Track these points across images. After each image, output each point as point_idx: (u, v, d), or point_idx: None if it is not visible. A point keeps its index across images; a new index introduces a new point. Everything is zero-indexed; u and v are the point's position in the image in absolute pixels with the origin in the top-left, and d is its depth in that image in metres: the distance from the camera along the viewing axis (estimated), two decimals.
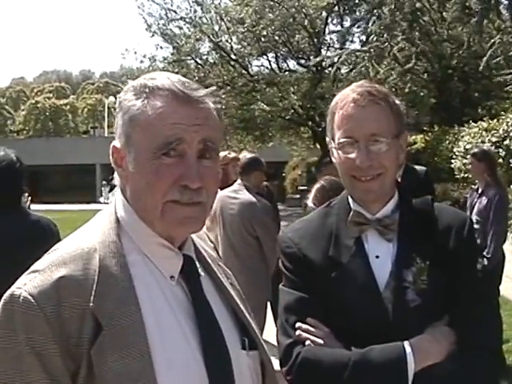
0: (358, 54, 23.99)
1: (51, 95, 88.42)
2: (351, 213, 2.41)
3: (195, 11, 32.58)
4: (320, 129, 29.88)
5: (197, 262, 1.90)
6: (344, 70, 31.16)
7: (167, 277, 1.80)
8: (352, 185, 2.38)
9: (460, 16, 17.06)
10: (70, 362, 1.60)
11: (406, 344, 2.19)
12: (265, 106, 29.59)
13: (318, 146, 31.47)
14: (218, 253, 2.13)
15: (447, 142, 21.09)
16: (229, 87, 31.71)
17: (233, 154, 8.41)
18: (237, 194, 6.60)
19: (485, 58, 10.91)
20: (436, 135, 23.55)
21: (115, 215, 1.81)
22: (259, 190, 7.30)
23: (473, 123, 19.32)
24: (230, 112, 31.32)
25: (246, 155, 7.31)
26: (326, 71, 31.45)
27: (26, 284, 1.63)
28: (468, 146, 16.11)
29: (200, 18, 32.41)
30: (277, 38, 31.24)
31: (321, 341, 2.27)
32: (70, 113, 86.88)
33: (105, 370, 1.59)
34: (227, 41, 32.24)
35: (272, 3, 29.49)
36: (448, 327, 2.25)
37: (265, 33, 29.80)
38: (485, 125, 17.87)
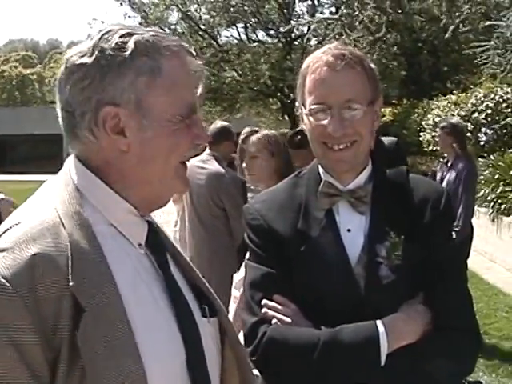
0: (328, 22, 23.78)
1: (18, 64, 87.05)
2: (321, 183, 2.26)
3: None
4: (289, 100, 29.78)
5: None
6: (314, 42, 31.00)
7: (135, 245, 1.70)
8: (323, 154, 2.22)
9: None
10: (49, 352, 1.45)
11: (379, 323, 2.06)
12: (235, 74, 29.35)
13: (287, 118, 31.37)
14: None
15: (416, 115, 21.16)
16: (197, 57, 31.46)
17: None
18: (205, 164, 6.41)
19: (451, 27, 10.83)
20: (405, 108, 23.59)
21: (73, 184, 1.65)
22: (229, 160, 7.15)
23: (442, 97, 19.35)
24: None
25: (216, 124, 7.10)
26: (296, 43, 31.32)
27: None
28: (437, 120, 16.10)
29: None
30: (246, 8, 30.97)
31: (288, 319, 2.13)
32: (37, 82, 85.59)
33: (91, 353, 1.45)
34: (196, 10, 31.91)
35: None
36: (423, 306, 2.13)
37: (234, 3, 29.56)
38: (454, 98, 17.91)
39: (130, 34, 1.64)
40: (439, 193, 2.28)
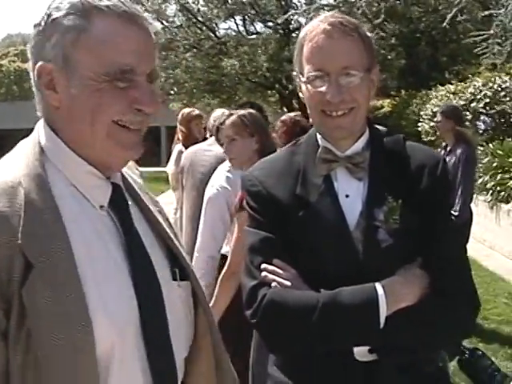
0: (326, 10, 23.77)
1: (16, 59, 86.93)
2: (319, 149, 2.28)
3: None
4: (287, 91, 29.76)
5: (124, 191, 1.84)
6: None
7: (96, 206, 1.73)
8: (322, 121, 2.24)
9: None
10: (2, 302, 1.53)
11: (378, 285, 2.08)
12: (235, 62, 29.28)
13: (286, 110, 31.36)
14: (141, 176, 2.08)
15: (414, 105, 21.12)
16: (195, 50, 31.37)
17: (196, 112, 8.26)
18: (211, 146, 6.42)
19: (449, 15, 10.82)
20: (403, 99, 23.57)
21: (39, 145, 1.71)
22: None
23: (440, 86, 19.33)
24: (196, 75, 31.03)
25: (224, 112, 7.14)
26: (294, 35, 31.26)
27: None
28: (435, 109, 16.03)
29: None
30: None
31: (288, 283, 2.15)
32: None
33: (37, 308, 1.52)
34: (194, 2, 31.85)
35: None
36: (420, 269, 2.15)
37: None
38: (452, 88, 17.89)
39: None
40: (436, 159, 2.30)
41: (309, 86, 2.22)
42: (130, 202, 1.84)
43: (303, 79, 2.25)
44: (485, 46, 9.88)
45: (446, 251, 2.19)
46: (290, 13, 26.27)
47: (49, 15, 1.68)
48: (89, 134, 1.68)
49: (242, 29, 33.68)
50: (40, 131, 1.75)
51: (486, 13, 10.47)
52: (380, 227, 2.17)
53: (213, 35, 32.22)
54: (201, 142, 7.00)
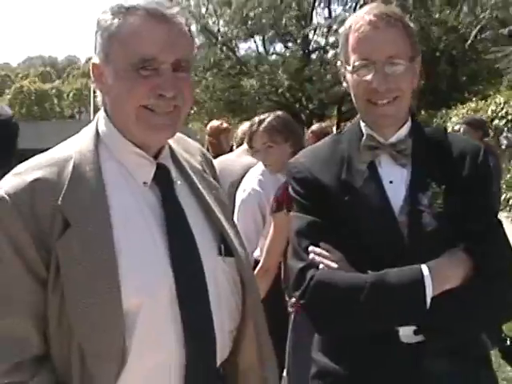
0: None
1: (36, 79, 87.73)
2: (364, 137, 2.35)
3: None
4: (307, 111, 29.85)
5: (173, 171, 2.05)
6: (331, 54, 31.15)
7: (140, 182, 1.96)
8: (367, 109, 2.31)
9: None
10: (44, 253, 1.78)
11: (424, 267, 2.13)
12: (254, 83, 29.44)
13: (305, 130, 31.40)
14: (212, 168, 2.27)
15: (435, 124, 21.12)
16: (216, 70, 31.59)
17: (225, 125, 8.38)
18: (239, 157, 6.51)
19: (473, 32, 10.88)
20: (422, 120, 23.56)
21: (96, 128, 1.99)
22: None
23: (460, 105, 19.35)
24: (217, 95, 31.23)
25: (244, 124, 7.27)
26: (313, 56, 31.44)
27: (4, 185, 1.82)
28: (456, 127, 16.07)
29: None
30: (264, 20, 31.09)
31: (335, 265, 2.21)
32: (55, 97, 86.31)
33: (69, 264, 1.76)
34: (214, 23, 32.12)
35: None
36: (464, 253, 2.19)
37: (252, 14, 29.68)
38: (473, 106, 17.91)
39: None
40: (477, 148, 2.36)
41: (355, 75, 2.29)
42: (178, 182, 2.04)
43: (349, 69, 2.31)
44: (507, 61, 9.90)
45: (487, 235, 2.24)
46: (307, 29, 26.27)
47: (98, 17, 1.94)
48: (125, 118, 1.92)
49: (261, 49, 33.87)
50: (99, 117, 2.01)
51: (508, 29, 10.48)
52: (424, 211, 2.22)
53: (233, 55, 32.41)
54: (228, 152, 7.10)
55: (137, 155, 1.97)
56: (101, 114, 2.01)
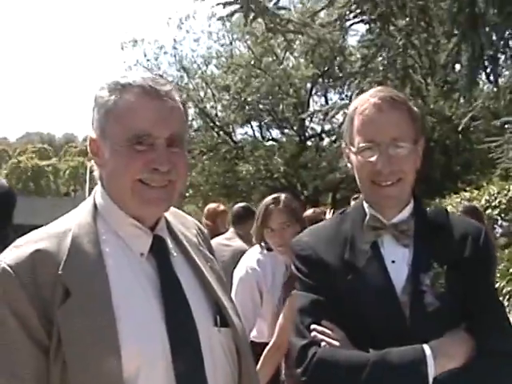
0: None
1: (34, 156, 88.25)
2: (367, 217, 2.39)
3: (181, 77, 32.84)
4: (302, 197, 29.99)
5: (170, 243, 2.10)
6: (327, 141, 31.57)
7: (137, 253, 2.01)
8: (371, 190, 2.37)
9: (442, 91, 17.41)
10: (45, 322, 1.81)
11: (426, 347, 2.15)
12: (250, 168, 29.65)
13: None
14: (207, 242, 2.32)
15: None
16: (212, 153, 31.84)
17: (222, 207, 8.49)
18: (229, 241, 6.60)
19: (464, 120, 11.08)
20: None
21: (93, 201, 2.05)
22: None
23: (454, 195, 19.51)
24: (212, 178, 31.40)
25: (239, 205, 7.40)
26: (309, 142, 31.74)
27: (6, 257, 1.88)
28: None
29: (186, 83, 32.67)
30: (261, 106, 31.53)
31: (337, 343, 2.23)
32: (51, 174, 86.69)
33: (70, 331, 1.79)
34: (212, 107, 32.53)
35: (258, 71, 29.88)
36: (466, 333, 2.22)
37: (250, 99, 30.10)
38: (467, 195, 18.07)
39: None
40: (478, 229, 2.41)
41: (359, 156, 2.35)
42: (174, 254, 2.10)
43: (354, 150, 2.38)
44: (500, 151, 10.06)
45: (489, 316, 2.27)
46: (304, 115, 26.58)
47: (95, 94, 2.02)
48: (121, 191, 1.99)
49: (258, 134, 34.21)
50: (96, 191, 2.08)
51: (502, 120, 10.69)
52: (426, 291, 2.25)
53: (229, 140, 32.70)
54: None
55: (134, 227, 2.02)
56: (98, 187, 2.08)
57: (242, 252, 6.55)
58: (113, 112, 1.96)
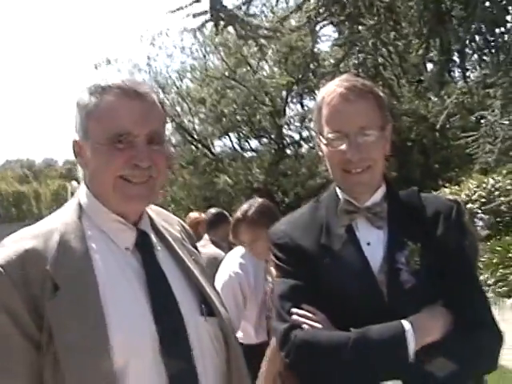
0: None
1: (14, 182, 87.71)
2: (341, 202, 2.45)
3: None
4: (284, 205, 30.04)
5: (153, 238, 2.16)
6: (305, 148, 31.71)
7: (122, 248, 2.07)
8: (343, 178, 2.42)
9: (416, 90, 17.49)
10: (36, 317, 1.86)
11: (405, 322, 2.21)
12: (229, 180, 29.73)
13: None
14: (190, 238, 2.37)
15: None
16: (191, 167, 31.89)
17: (203, 216, 8.54)
18: (204, 248, 6.64)
19: (442, 116, 11.15)
20: None
21: (78, 200, 2.12)
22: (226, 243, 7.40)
23: (434, 192, 19.68)
24: (193, 192, 31.42)
25: (211, 211, 7.45)
26: (288, 151, 31.84)
27: None
28: None
29: (162, 99, 32.63)
30: (238, 117, 31.63)
31: (318, 325, 2.27)
32: (33, 199, 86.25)
33: (60, 325, 1.85)
34: (189, 121, 32.60)
35: (233, 82, 29.99)
36: (443, 307, 2.27)
37: (226, 111, 30.19)
38: (447, 191, 18.23)
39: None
40: (450, 206, 2.47)
41: (329, 146, 2.41)
42: (159, 248, 2.16)
43: (323, 140, 2.43)
44: (476, 145, 10.16)
45: (465, 289, 2.32)
46: (281, 122, 26.70)
47: (77, 98, 2.08)
48: (103, 188, 2.06)
49: (236, 146, 34.27)
50: (80, 190, 2.15)
51: (475, 115, 10.83)
52: (402, 269, 2.31)
53: (208, 152, 32.75)
54: None
55: (117, 222, 2.09)
56: (81, 187, 2.14)
57: (215, 258, 6.60)
58: (93, 113, 2.03)
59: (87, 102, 2.05)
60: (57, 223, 2.04)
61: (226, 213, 7.60)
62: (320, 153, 2.51)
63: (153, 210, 2.25)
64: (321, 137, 2.46)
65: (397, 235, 2.38)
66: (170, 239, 2.21)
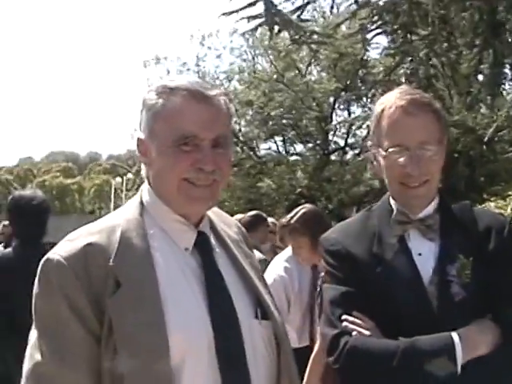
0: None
1: (58, 174, 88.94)
2: (394, 212, 2.47)
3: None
4: (327, 211, 29.95)
5: (212, 239, 2.19)
6: (350, 154, 31.60)
7: (182, 248, 2.10)
8: (400, 191, 2.44)
9: (465, 102, 17.33)
10: (98, 311, 1.90)
11: (454, 334, 2.22)
12: (272, 184, 29.72)
13: None
14: (246, 240, 2.40)
15: None
16: (236, 168, 31.92)
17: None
18: None
19: (491, 129, 11.11)
20: None
21: (140, 199, 2.15)
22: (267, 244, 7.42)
23: (479, 205, 19.46)
24: (237, 194, 31.47)
25: (249, 213, 7.47)
26: (333, 157, 31.73)
27: (59, 250, 1.98)
28: None
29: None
30: (284, 120, 31.59)
31: (367, 332, 2.30)
32: (76, 192, 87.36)
33: (121, 320, 1.88)
34: (236, 122, 32.62)
35: (281, 86, 29.97)
36: (492, 322, 2.28)
37: (273, 114, 30.17)
38: (492, 205, 17.99)
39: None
40: (502, 222, 2.49)
41: (388, 158, 2.43)
42: (217, 249, 2.19)
43: (382, 153, 2.45)
44: None
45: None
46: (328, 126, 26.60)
47: (143, 97, 2.10)
48: (167, 189, 2.08)
49: (281, 149, 34.26)
50: (143, 188, 2.18)
51: None
52: (453, 281, 2.32)
53: (253, 155, 32.77)
54: None
55: (179, 223, 2.11)
56: (144, 186, 2.18)
57: (260, 261, 6.62)
58: (161, 114, 2.05)
59: (154, 102, 2.07)
60: (119, 219, 2.08)
61: (264, 215, 7.60)
62: (375, 163, 2.53)
63: (212, 212, 2.28)
64: (379, 149, 2.48)
65: (448, 248, 2.40)
66: (229, 241, 2.24)
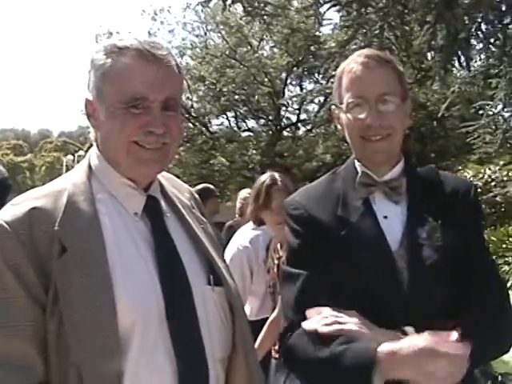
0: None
1: (9, 152, 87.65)
2: (359, 174, 2.42)
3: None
4: None
5: (163, 204, 2.15)
6: (302, 130, 31.69)
7: (131, 213, 2.05)
8: (361, 146, 2.39)
9: (416, 78, 17.42)
10: (42, 277, 1.84)
11: (380, 351, 2.05)
12: (224, 161, 29.67)
13: None
14: (200, 206, 2.36)
15: None
16: (188, 144, 31.77)
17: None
18: None
19: (444, 105, 11.16)
20: None
21: (88, 162, 2.10)
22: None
23: None
24: (190, 170, 31.35)
25: (197, 187, 7.40)
26: (285, 132, 31.76)
27: (3, 214, 1.91)
28: None
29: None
30: (237, 96, 31.51)
31: (355, 327, 2.17)
32: (27, 170, 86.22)
33: (67, 285, 1.83)
34: (188, 98, 32.43)
35: (233, 61, 29.87)
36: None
37: (225, 90, 30.06)
38: None
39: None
40: (468, 185, 2.46)
41: (348, 114, 2.38)
42: (168, 214, 2.14)
43: (343, 108, 2.41)
44: (476, 135, 10.15)
45: (483, 274, 2.33)
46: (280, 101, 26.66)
47: (92, 57, 2.03)
48: (116, 152, 2.03)
49: (233, 125, 34.19)
50: (92, 153, 2.12)
51: (475, 105, 10.78)
52: (424, 244, 2.28)
53: (206, 130, 32.65)
54: None
55: (127, 187, 2.07)
56: (93, 149, 2.12)
57: None
58: (109, 74, 1.99)
59: (102, 62, 2.01)
60: (66, 184, 2.02)
61: (212, 186, 7.58)
62: (338, 126, 2.49)
63: (163, 177, 2.23)
64: (341, 106, 2.43)
65: (416, 211, 2.36)
66: (180, 206, 2.20)
